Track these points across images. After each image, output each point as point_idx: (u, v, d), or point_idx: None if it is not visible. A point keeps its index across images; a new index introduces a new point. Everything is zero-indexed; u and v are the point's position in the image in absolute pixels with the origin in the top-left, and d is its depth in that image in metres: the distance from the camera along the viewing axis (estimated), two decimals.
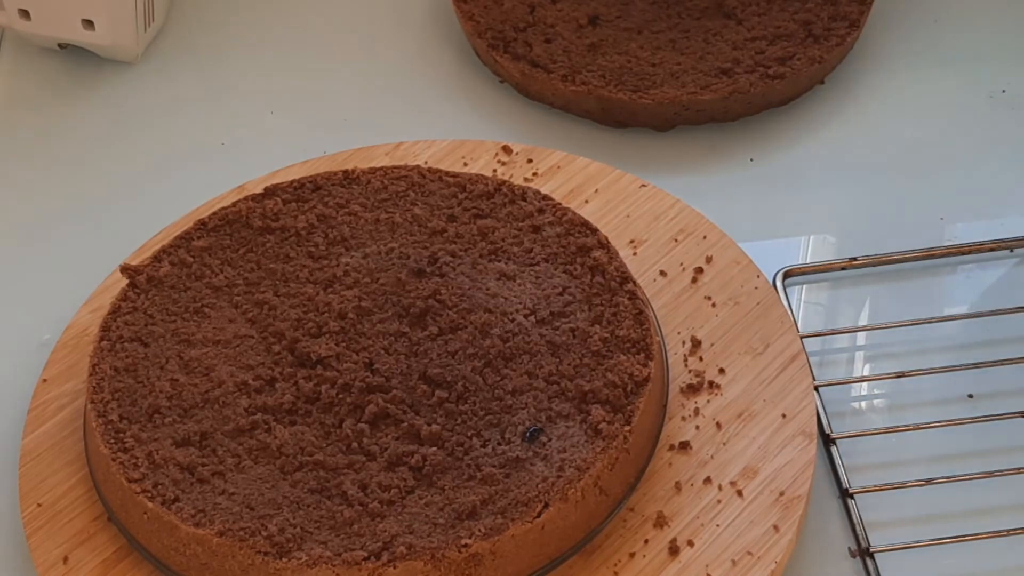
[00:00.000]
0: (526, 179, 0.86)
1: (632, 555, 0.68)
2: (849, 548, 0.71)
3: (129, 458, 0.70)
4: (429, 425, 0.70)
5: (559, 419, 0.70)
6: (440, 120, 0.95)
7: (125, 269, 0.79)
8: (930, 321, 0.80)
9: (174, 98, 0.99)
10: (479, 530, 0.65)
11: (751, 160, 0.91)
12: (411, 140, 0.89)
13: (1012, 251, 0.84)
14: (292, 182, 0.83)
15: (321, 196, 0.82)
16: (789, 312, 0.79)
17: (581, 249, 0.77)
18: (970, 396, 0.77)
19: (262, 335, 0.75)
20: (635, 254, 0.81)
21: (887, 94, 0.95)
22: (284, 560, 0.65)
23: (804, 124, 0.93)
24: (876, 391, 0.79)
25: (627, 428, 0.69)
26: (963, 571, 0.70)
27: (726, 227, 0.82)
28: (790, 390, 0.74)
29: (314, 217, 0.81)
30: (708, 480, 0.71)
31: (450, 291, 0.76)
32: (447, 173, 0.83)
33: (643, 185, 0.85)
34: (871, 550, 0.70)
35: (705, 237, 0.82)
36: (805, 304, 0.83)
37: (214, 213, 0.82)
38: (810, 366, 0.76)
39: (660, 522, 0.69)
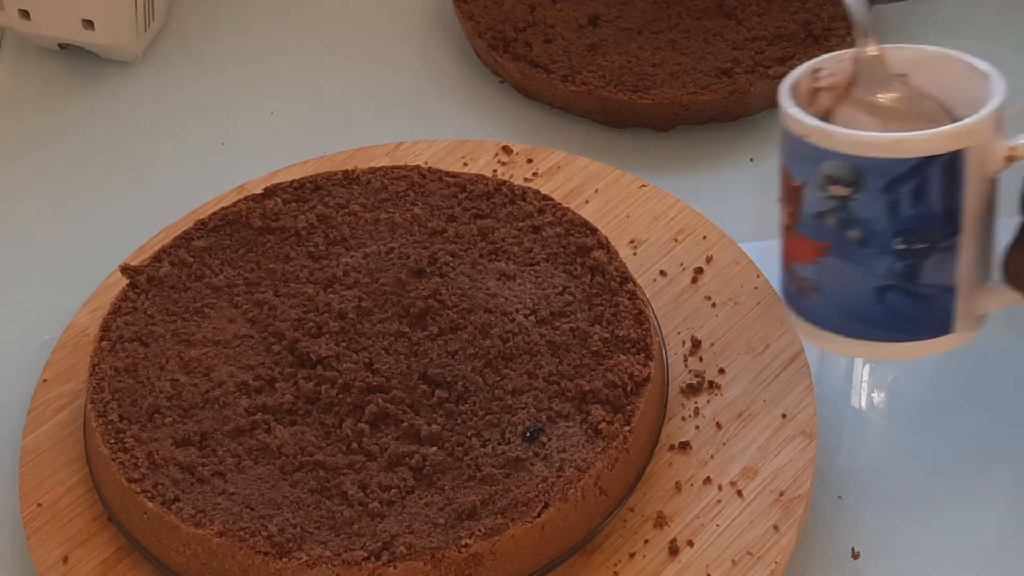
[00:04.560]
0: (526, 179, 0.86)
1: (632, 555, 0.68)
2: (852, 548, 0.71)
3: (129, 458, 0.70)
4: (429, 425, 0.70)
5: (559, 419, 0.70)
6: (440, 120, 0.95)
7: (125, 269, 0.79)
8: None
9: (174, 98, 0.99)
10: (479, 530, 0.65)
11: (751, 160, 0.91)
12: (411, 140, 0.89)
13: None
14: (292, 182, 0.83)
15: (321, 196, 0.82)
16: None
17: (581, 249, 0.77)
18: (971, 397, 0.77)
19: (262, 335, 0.76)
20: (635, 254, 0.81)
21: None
22: (284, 560, 0.65)
23: None
24: (877, 391, 0.79)
25: (627, 428, 0.69)
26: (964, 572, 0.70)
27: (726, 227, 0.82)
28: (790, 390, 0.74)
29: (314, 217, 0.81)
30: (708, 480, 0.71)
31: (450, 291, 0.76)
32: (447, 173, 0.83)
33: (643, 185, 0.85)
34: (871, 551, 0.70)
35: (705, 237, 0.82)
36: None
37: (214, 213, 0.82)
38: (810, 366, 0.76)
39: (660, 522, 0.69)
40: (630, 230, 0.83)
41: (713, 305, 0.79)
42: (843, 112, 0.64)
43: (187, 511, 0.67)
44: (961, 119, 0.60)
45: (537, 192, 0.81)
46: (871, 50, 0.63)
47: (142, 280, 0.78)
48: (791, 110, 0.61)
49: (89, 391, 0.73)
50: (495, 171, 0.87)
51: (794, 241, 0.62)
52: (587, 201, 0.85)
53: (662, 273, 0.80)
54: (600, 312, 0.74)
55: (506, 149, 0.88)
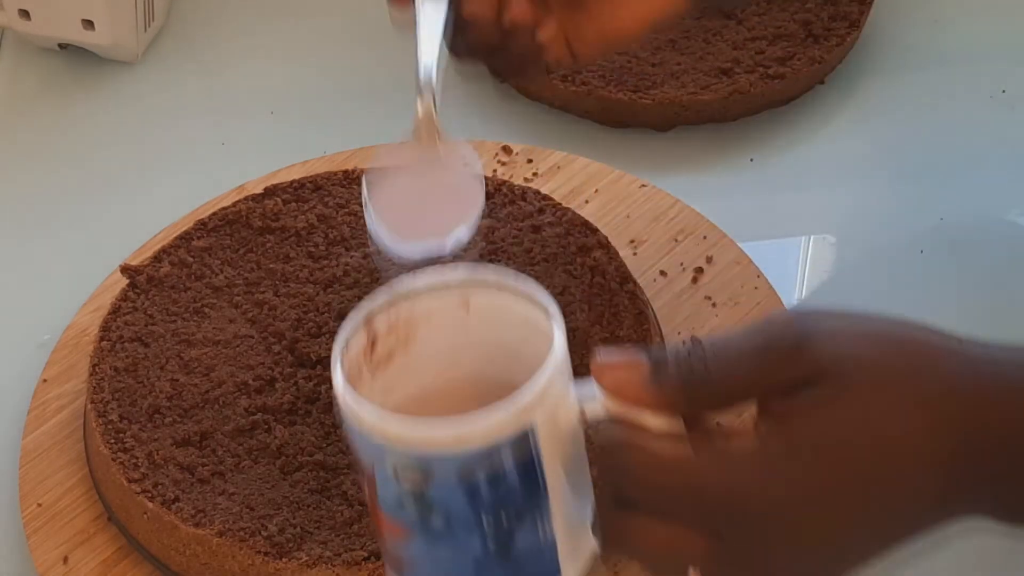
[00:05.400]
0: (526, 179, 0.86)
1: None
2: None
3: (129, 458, 0.70)
4: None
5: None
6: (440, 120, 0.95)
7: (125, 269, 0.79)
8: (929, 318, 0.80)
9: (174, 98, 0.99)
10: None
11: (751, 160, 0.91)
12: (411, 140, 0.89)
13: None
14: (292, 182, 0.83)
15: (321, 196, 0.82)
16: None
17: (581, 249, 0.77)
18: None
19: (262, 335, 0.75)
20: (635, 254, 0.81)
21: (887, 94, 0.95)
22: (284, 560, 0.65)
23: (804, 124, 0.93)
24: None
25: None
26: (963, 572, 0.70)
27: (726, 227, 0.82)
28: None
29: (314, 217, 0.81)
30: None
31: None
32: None
33: (643, 185, 0.85)
34: None
35: (705, 237, 0.82)
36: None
37: (214, 213, 0.82)
38: None
39: None
40: (630, 230, 0.83)
41: (713, 305, 0.79)
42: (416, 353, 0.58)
43: (187, 511, 0.67)
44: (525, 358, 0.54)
45: (537, 192, 0.81)
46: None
47: (142, 280, 0.78)
48: (346, 398, 0.54)
49: (89, 391, 0.73)
50: (495, 171, 0.87)
51: (379, 517, 0.55)
52: (587, 201, 0.85)
53: (662, 273, 0.80)
54: (600, 312, 0.74)
55: (506, 149, 0.88)
